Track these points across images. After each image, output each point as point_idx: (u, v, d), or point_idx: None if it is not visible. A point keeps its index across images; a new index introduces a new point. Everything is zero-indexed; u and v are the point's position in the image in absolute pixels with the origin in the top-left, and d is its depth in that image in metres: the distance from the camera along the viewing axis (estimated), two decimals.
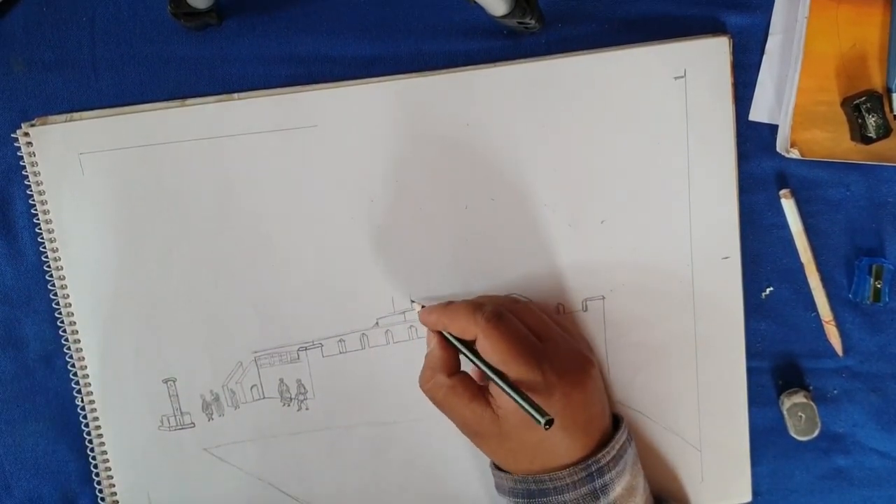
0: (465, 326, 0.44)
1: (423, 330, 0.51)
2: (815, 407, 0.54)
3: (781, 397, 0.55)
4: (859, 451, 0.57)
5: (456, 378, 0.45)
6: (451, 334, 0.46)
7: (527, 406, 0.41)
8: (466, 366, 0.47)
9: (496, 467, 0.48)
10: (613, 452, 0.45)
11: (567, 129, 0.50)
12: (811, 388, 0.55)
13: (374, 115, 0.49)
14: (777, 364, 0.55)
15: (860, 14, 0.49)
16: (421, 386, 0.46)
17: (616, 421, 0.49)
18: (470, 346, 0.45)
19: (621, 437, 0.47)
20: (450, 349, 0.46)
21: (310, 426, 0.52)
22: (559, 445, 0.44)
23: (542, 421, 0.40)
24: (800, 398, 0.54)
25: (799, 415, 0.54)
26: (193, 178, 0.49)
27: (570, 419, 0.44)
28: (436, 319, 0.46)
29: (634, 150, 0.50)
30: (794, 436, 0.54)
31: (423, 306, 0.49)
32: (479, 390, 0.45)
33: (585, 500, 0.44)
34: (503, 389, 0.42)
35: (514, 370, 0.42)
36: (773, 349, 0.55)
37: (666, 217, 0.52)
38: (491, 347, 0.43)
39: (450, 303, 0.47)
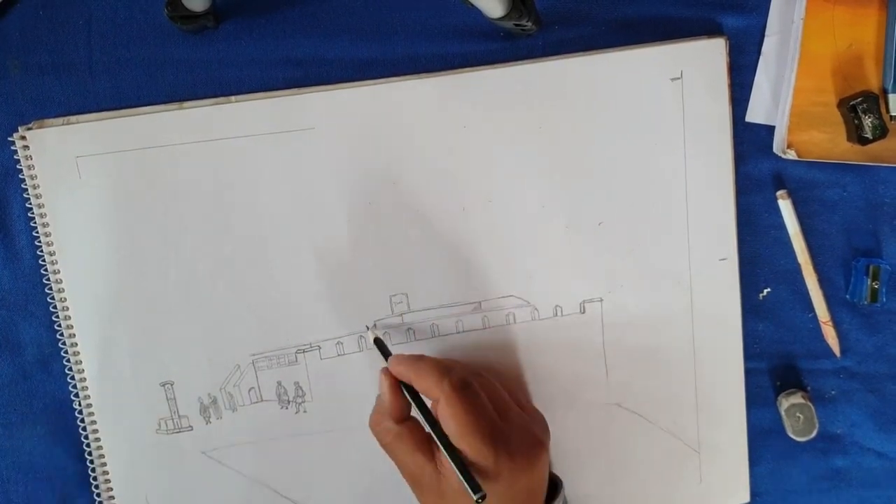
0: (429, 387, 0.43)
1: (422, 333, 0.51)
2: (812, 408, 0.54)
3: (779, 398, 0.55)
4: (857, 452, 0.57)
5: (404, 425, 0.45)
6: (410, 395, 0.45)
7: (463, 479, 0.41)
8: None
9: None
10: None
11: (564, 131, 0.50)
12: (809, 388, 0.55)
13: (371, 118, 0.49)
14: (775, 365, 0.55)
15: (856, 15, 0.50)
16: (370, 426, 0.46)
17: (554, 486, 0.48)
18: (423, 404, 0.45)
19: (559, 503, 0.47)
20: (401, 396, 0.45)
21: (308, 429, 0.52)
22: None
23: (475, 497, 0.40)
24: (798, 399, 0.54)
25: (797, 415, 0.54)
26: (190, 181, 0.49)
27: (511, 498, 0.43)
28: (403, 371, 0.45)
29: (631, 151, 0.51)
30: (793, 436, 0.54)
31: (376, 335, 0.49)
32: (425, 441, 0.44)
33: None
34: (446, 455, 0.42)
35: (469, 444, 0.41)
36: (770, 350, 0.55)
37: (663, 219, 0.52)
38: (451, 416, 0.42)
39: (420, 357, 0.46)
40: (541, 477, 0.45)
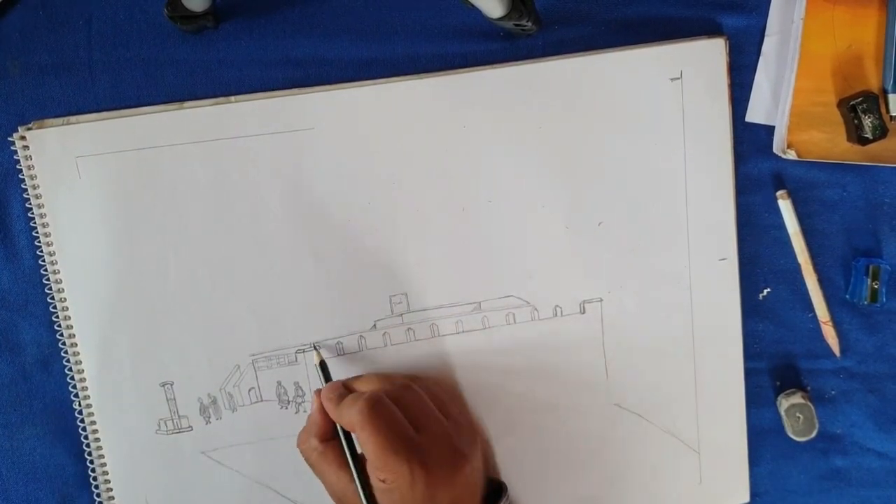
0: (349, 419, 0.44)
1: (421, 333, 0.51)
2: (812, 408, 0.54)
3: (779, 398, 0.55)
4: (857, 452, 0.57)
5: (328, 444, 0.46)
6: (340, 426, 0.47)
7: None
8: None
9: None
10: None
11: (564, 131, 0.50)
12: (809, 388, 0.55)
13: (371, 118, 0.49)
14: (775, 365, 0.55)
15: (856, 15, 0.50)
16: (297, 445, 0.48)
17: (498, 491, 0.48)
18: (351, 445, 0.46)
19: None
20: (327, 416, 0.47)
21: None
22: None
23: None
24: (797, 399, 0.54)
25: (797, 415, 0.54)
26: (190, 182, 0.49)
27: None
28: (331, 411, 0.46)
29: (631, 151, 0.51)
30: (792, 436, 0.54)
31: (321, 359, 0.50)
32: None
33: None
34: (355, 482, 0.44)
35: (383, 461, 0.42)
36: (770, 350, 0.55)
37: (663, 219, 0.52)
38: (365, 438, 0.43)
39: (333, 385, 0.48)
40: (466, 489, 0.45)
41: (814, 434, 0.54)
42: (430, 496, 0.43)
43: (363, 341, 0.51)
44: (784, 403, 0.54)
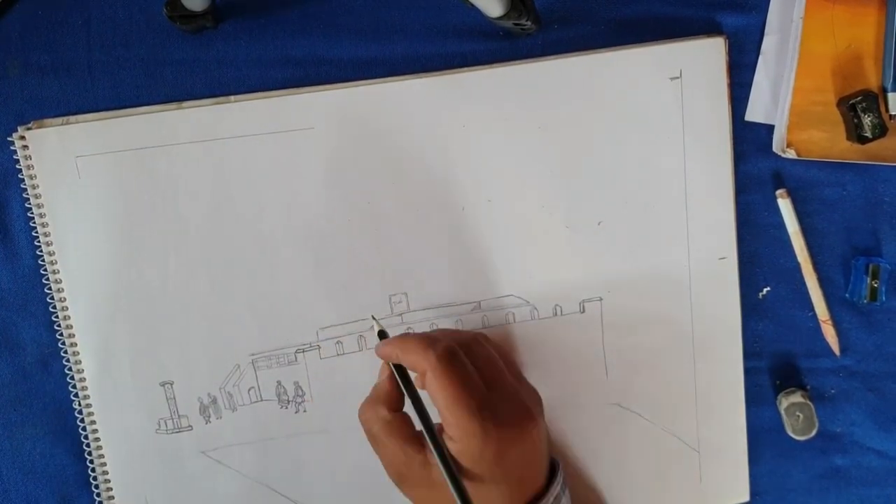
0: (416, 360, 0.43)
1: (421, 329, 0.51)
2: (812, 406, 0.54)
3: (779, 397, 0.55)
4: (857, 451, 0.57)
5: (396, 415, 0.44)
6: (401, 378, 0.44)
7: (457, 495, 0.41)
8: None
9: None
10: (549, 502, 0.44)
11: (563, 130, 0.50)
12: (809, 387, 0.55)
13: (370, 118, 0.49)
14: (774, 364, 0.55)
15: (855, 14, 0.50)
16: (359, 415, 0.45)
17: (552, 468, 0.47)
18: (416, 394, 0.44)
19: (555, 489, 0.45)
20: (398, 385, 0.45)
21: (308, 428, 0.52)
22: (487, 499, 0.43)
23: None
24: (797, 398, 0.54)
25: (797, 414, 0.54)
26: (190, 181, 0.49)
27: (501, 473, 0.42)
28: (389, 351, 0.44)
29: (631, 151, 0.51)
30: (792, 435, 0.54)
31: (381, 328, 0.47)
32: (415, 433, 0.44)
33: None
34: (431, 448, 0.42)
35: (455, 414, 0.41)
36: (770, 349, 0.55)
37: (663, 218, 0.52)
38: (437, 385, 0.41)
39: (406, 334, 0.45)
40: (535, 450, 0.44)
41: (813, 433, 0.54)
42: (501, 455, 0.42)
43: (363, 341, 0.51)
44: (784, 402, 0.54)
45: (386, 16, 0.49)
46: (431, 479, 0.43)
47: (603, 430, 0.54)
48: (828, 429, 0.56)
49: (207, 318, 0.50)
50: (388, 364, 0.45)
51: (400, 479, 0.45)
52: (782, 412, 0.54)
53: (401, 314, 0.51)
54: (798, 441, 0.55)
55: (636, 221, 0.51)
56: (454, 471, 0.41)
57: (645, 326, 0.53)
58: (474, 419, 0.41)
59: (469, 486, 0.42)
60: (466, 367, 0.43)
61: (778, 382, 0.56)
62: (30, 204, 0.48)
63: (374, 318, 0.49)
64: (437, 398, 0.42)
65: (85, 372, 0.50)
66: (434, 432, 0.43)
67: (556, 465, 0.47)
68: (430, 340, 0.43)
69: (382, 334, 0.47)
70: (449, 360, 0.42)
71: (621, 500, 0.55)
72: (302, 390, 0.51)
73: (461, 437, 0.41)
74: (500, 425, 0.42)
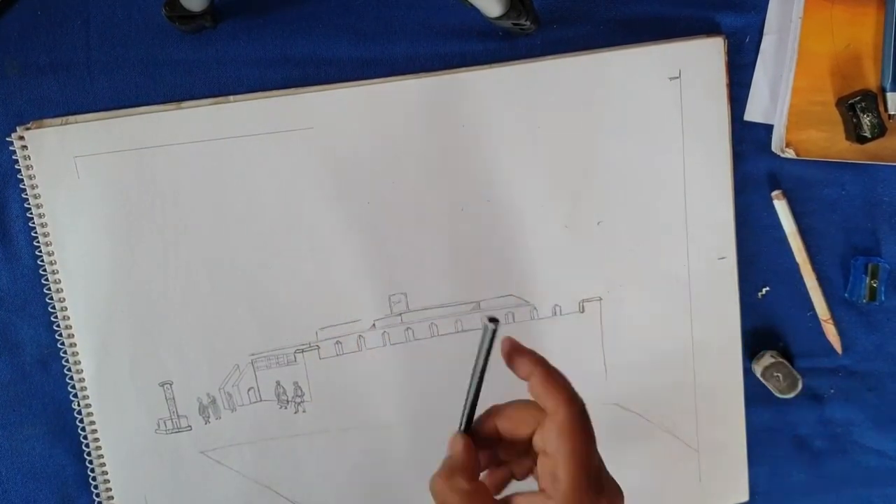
0: (556, 403, 0.37)
1: (420, 332, 0.51)
2: (786, 362, 0.53)
3: (752, 366, 0.54)
4: (856, 451, 0.57)
5: (476, 484, 0.39)
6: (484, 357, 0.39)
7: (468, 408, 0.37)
8: None
9: None
10: None
11: (562, 130, 0.50)
12: (779, 344, 0.55)
13: (370, 117, 0.49)
14: None
15: (854, 14, 0.50)
16: (431, 486, 0.40)
17: None
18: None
19: None
20: (475, 455, 0.39)
21: (307, 428, 0.52)
22: None
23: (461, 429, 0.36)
24: (768, 359, 0.53)
25: (775, 375, 0.53)
26: (189, 181, 0.49)
27: None
28: (528, 371, 0.39)
29: (630, 150, 0.51)
30: (780, 395, 0.53)
31: (495, 322, 0.39)
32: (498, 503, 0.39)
33: None
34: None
35: (574, 475, 0.36)
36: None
37: (662, 218, 0.52)
38: (570, 439, 0.36)
39: (544, 362, 0.40)
40: None
41: (800, 387, 0.53)
42: None
43: (362, 341, 0.51)
44: (758, 368, 0.54)
45: (385, 16, 0.49)
46: None
47: (602, 430, 0.54)
48: (827, 429, 0.56)
49: (207, 318, 0.50)
50: (464, 437, 0.40)
51: None
52: (760, 378, 0.54)
53: (400, 314, 0.51)
54: (784, 400, 0.53)
55: (635, 221, 0.51)
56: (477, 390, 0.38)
57: (644, 326, 0.53)
58: (590, 489, 0.37)
59: None
60: (593, 437, 0.39)
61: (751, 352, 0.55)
62: (29, 204, 0.48)
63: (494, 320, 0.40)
64: (562, 451, 0.37)
65: (84, 372, 0.50)
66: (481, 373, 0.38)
67: None
68: (572, 388, 0.39)
69: (494, 321, 0.39)
70: (587, 419, 0.38)
71: None
72: (301, 390, 0.51)
73: (566, 501, 0.36)
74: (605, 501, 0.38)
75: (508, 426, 0.40)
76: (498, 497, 0.40)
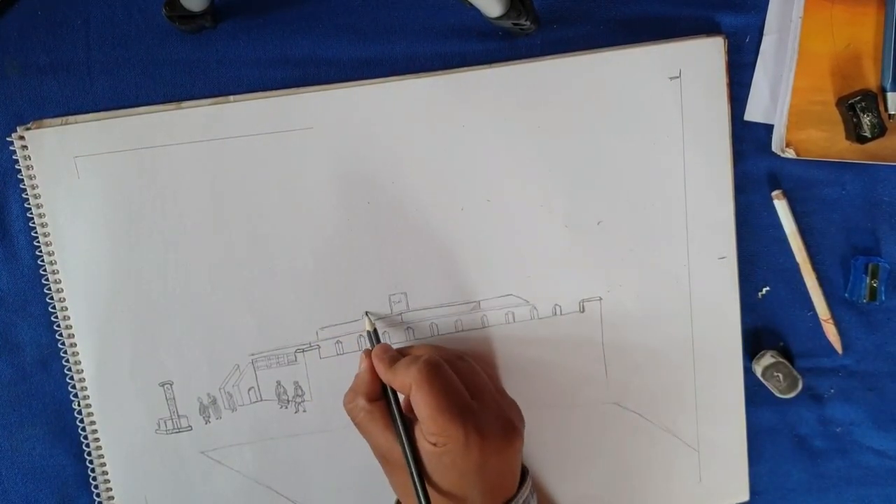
0: (403, 381, 0.44)
1: (421, 332, 0.51)
2: (787, 362, 0.53)
3: (752, 365, 0.54)
4: (856, 450, 0.57)
5: (375, 404, 0.46)
6: (389, 387, 0.46)
7: (419, 489, 0.42)
8: None
9: None
10: None
11: (562, 129, 0.50)
12: (780, 344, 0.55)
13: (370, 117, 0.49)
14: None
15: (854, 14, 0.50)
16: (343, 405, 0.47)
17: (522, 474, 0.47)
18: (397, 405, 0.46)
19: (523, 493, 0.46)
20: (376, 375, 0.46)
21: (307, 428, 0.52)
22: (463, 500, 0.43)
23: None
24: (768, 359, 0.53)
25: (775, 375, 0.53)
26: (189, 181, 0.49)
27: (480, 479, 0.43)
28: (383, 372, 0.46)
29: (630, 150, 0.51)
30: (780, 395, 0.53)
31: (374, 327, 0.49)
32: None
33: None
34: (401, 443, 0.43)
35: (438, 423, 0.42)
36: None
37: (662, 217, 0.52)
38: (421, 399, 0.42)
39: (395, 357, 0.46)
40: (512, 463, 0.45)
41: (800, 387, 0.53)
42: (483, 463, 0.43)
43: (363, 341, 0.51)
44: (758, 368, 0.54)
45: (385, 16, 0.49)
46: None
47: (602, 430, 0.54)
48: (827, 429, 0.56)
49: (207, 318, 0.50)
50: (368, 356, 0.47)
51: (385, 463, 0.46)
52: (761, 378, 0.54)
53: (400, 314, 0.51)
54: (784, 400, 0.54)
55: (635, 221, 0.51)
56: (418, 470, 0.43)
57: (644, 326, 0.53)
58: (458, 425, 0.42)
59: (445, 493, 0.43)
60: (451, 377, 0.44)
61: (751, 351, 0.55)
62: (29, 204, 0.48)
63: (367, 314, 0.49)
64: (420, 408, 0.43)
65: (84, 372, 0.50)
66: (404, 431, 0.44)
67: (526, 472, 0.48)
68: (412, 358, 0.45)
69: (373, 334, 0.49)
70: (431, 370, 0.43)
71: (621, 499, 0.55)
72: (302, 390, 0.51)
73: (444, 442, 0.42)
74: (483, 434, 0.43)
75: (397, 387, 0.45)
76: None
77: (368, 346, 0.49)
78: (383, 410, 0.46)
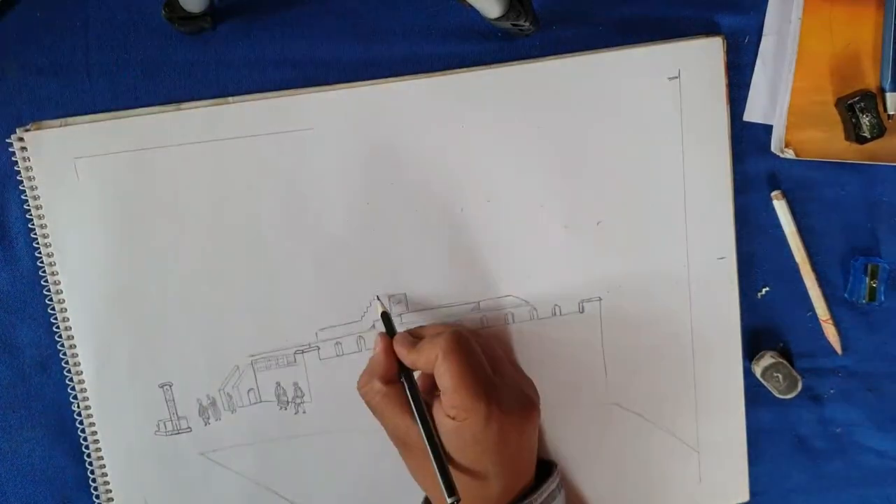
0: (428, 356, 0.44)
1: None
2: (787, 363, 0.53)
3: (752, 365, 0.54)
4: (856, 451, 0.57)
5: (391, 386, 0.45)
6: (404, 368, 0.46)
7: (440, 476, 0.42)
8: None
9: None
10: (542, 499, 0.45)
11: (562, 130, 0.50)
12: (780, 345, 0.55)
13: (369, 118, 0.49)
14: None
15: (853, 14, 0.50)
16: (357, 388, 0.47)
17: (549, 467, 0.48)
18: (411, 376, 0.46)
19: (549, 485, 0.46)
20: (392, 357, 0.46)
21: (307, 429, 0.52)
22: (484, 478, 0.43)
23: (449, 500, 0.41)
24: (768, 360, 0.53)
25: (775, 375, 0.53)
26: (189, 183, 0.49)
27: (499, 458, 0.43)
28: (405, 355, 0.45)
29: (629, 151, 0.51)
30: (780, 396, 0.53)
31: (384, 310, 0.49)
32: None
33: None
34: (417, 424, 0.43)
35: (462, 396, 0.42)
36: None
37: (662, 218, 0.52)
38: (447, 370, 0.42)
39: (416, 340, 0.46)
40: (531, 439, 0.45)
41: (800, 387, 0.53)
42: (503, 438, 0.43)
43: (362, 342, 0.51)
44: (758, 369, 0.54)
45: (384, 17, 0.49)
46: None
47: (602, 430, 0.54)
48: (827, 429, 0.56)
49: (206, 319, 0.50)
50: (384, 338, 0.47)
51: (402, 446, 0.46)
52: (760, 379, 0.54)
53: (399, 314, 0.51)
54: (785, 400, 0.54)
55: (635, 221, 0.51)
56: (439, 450, 0.43)
57: (644, 326, 0.53)
58: (480, 399, 0.42)
59: (465, 470, 0.43)
60: (475, 350, 0.44)
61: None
62: (28, 206, 0.48)
63: (378, 298, 0.49)
64: (443, 379, 0.42)
65: (84, 374, 0.50)
66: (424, 412, 0.44)
67: (554, 465, 0.48)
68: (437, 333, 0.45)
69: (385, 316, 0.48)
70: (459, 342, 0.43)
71: (621, 500, 0.55)
72: (301, 391, 0.51)
73: (465, 416, 0.42)
74: (503, 409, 0.43)
75: (423, 367, 0.45)
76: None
77: (383, 329, 0.48)
78: (399, 393, 0.45)
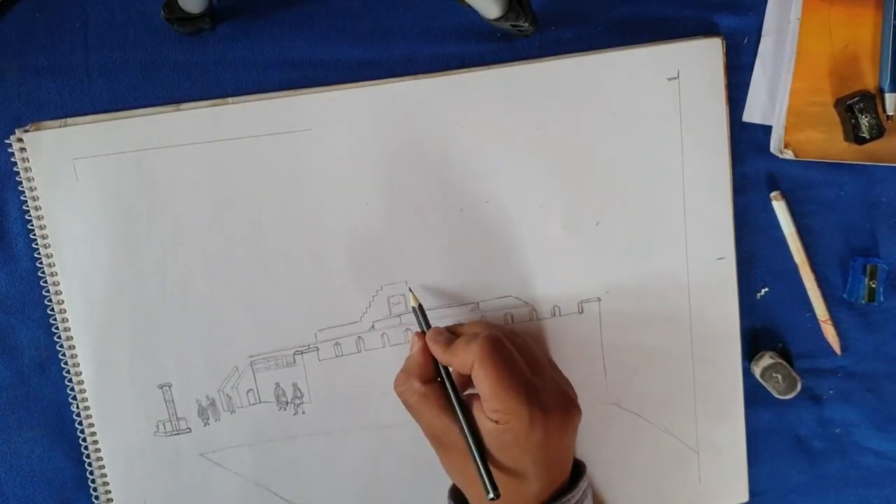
0: (464, 359, 0.43)
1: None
2: (786, 363, 0.53)
3: (751, 366, 0.54)
4: (855, 451, 0.57)
5: (429, 386, 0.45)
6: (444, 369, 0.46)
7: (483, 477, 0.42)
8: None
9: (452, 498, 0.47)
10: (577, 498, 0.45)
11: (561, 131, 0.50)
12: (778, 345, 0.55)
13: (369, 119, 0.49)
14: None
15: (852, 15, 0.50)
16: (395, 387, 0.46)
17: (578, 466, 0.48)
18: (450, 377, 0.45)
19: (583, 484, 0.46)
20: (429, 357, 0.46)
21: (306, 430, 0.52)
22: (524, 478, 0.43)
23: (490, 495, 0.41)
24: (767, 360, 0.53)
25: (774, 376, 0.53)
26: (188, 183, 0.49)
27: (542, 456, 0.43)
28: (440, 353, 0.45)
29: (628, 151, 0.51)
30: (779, 396, 0.53)
31: (419, 303, 0.48)
32: (452, 403, 0.45)
33: None
34: (461, 423, 0.43)
35: (502, 400, 0.41)
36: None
37: (661, 218, 0.52)
38: (485, 376, 0.42)
39: (451, 337, 0.46)
40: (571, 440, 0.45)
41: (799, 387, 0.53)
42: (545, 439, 0.42)
43: (361, 342, 0.51)
44: (757, 369, 0.54)
45: (383, 18, 0.49)
46: (467, 448, 0.43)
47: (602, 431, 0.54)
48: (826, 429, 0.56)
49: (205, 319, 0.50)
50: (420, 337, 0.46)
51: (439, 446, 0.46)
52: (759, 379, 0.54)
53: (399, 315, 0.51)
54: (784, 400, 0.54)
55: (634, 222, 0.51)
56: (483, 452, 0.42)
57: (644, 327, 0.53)
58: (522, 402, 0.41)
59: (505, 469, 0.42)
60: (512, 352, 0.44)
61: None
62: (27, 206, 0.48)
63: (410, 290, 0.49)
64: (482, 385, 0.42)
65: (83, 375, 0.50)
66: (463, 405, 0.43)
67: (583, 465, 0.48)
68: (471, 335, 0.44)
69: (419, 310, 0.48)
70: (494, 346, 0.43)
71: (621, 500, 0.55)
72: (300, 392, 0.51)
73: (507, 420, 0.42)
74: (546, 412, 0.42)
75: (458, 367, 0.44)
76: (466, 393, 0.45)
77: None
78: (437, 392, 0.45)
